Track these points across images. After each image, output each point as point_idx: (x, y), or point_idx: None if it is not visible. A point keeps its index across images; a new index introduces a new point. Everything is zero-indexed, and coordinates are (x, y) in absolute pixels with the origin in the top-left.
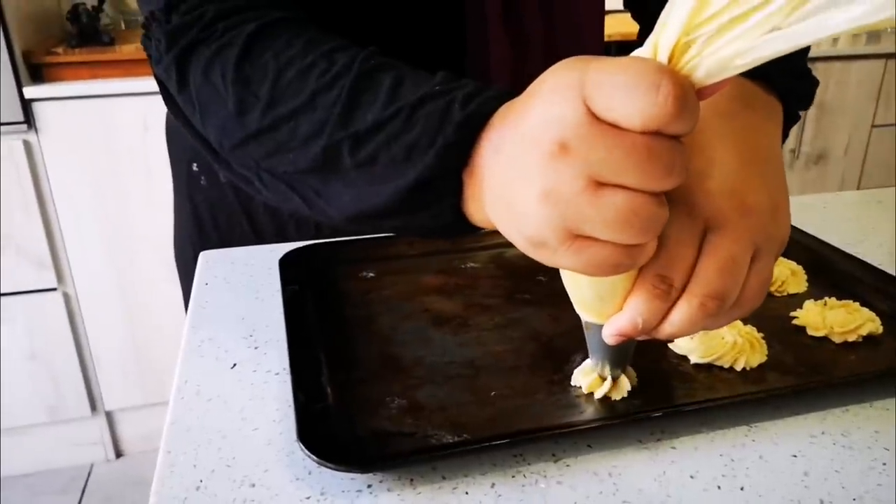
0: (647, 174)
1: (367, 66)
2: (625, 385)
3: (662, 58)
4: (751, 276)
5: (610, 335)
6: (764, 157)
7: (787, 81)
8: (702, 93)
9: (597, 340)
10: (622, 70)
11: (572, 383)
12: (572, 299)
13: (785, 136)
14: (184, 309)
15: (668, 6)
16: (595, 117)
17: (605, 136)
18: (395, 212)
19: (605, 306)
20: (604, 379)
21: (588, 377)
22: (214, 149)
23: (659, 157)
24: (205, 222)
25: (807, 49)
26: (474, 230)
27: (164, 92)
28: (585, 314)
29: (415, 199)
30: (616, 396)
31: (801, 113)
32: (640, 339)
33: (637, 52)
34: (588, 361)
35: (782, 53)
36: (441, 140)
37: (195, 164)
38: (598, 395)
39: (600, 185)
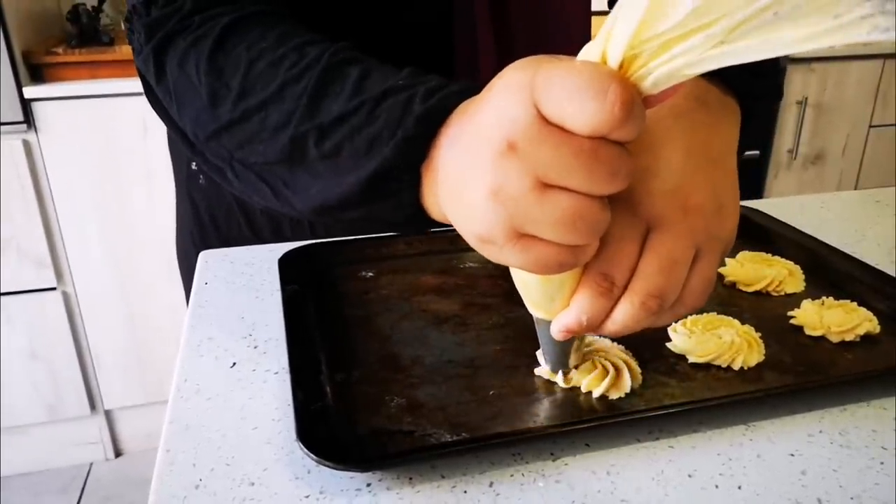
0: (593, 178)
1: (336, 58)
2: (626, 383)
3: (612, 64)
4: (692, 276)
5: (557, 331)
6: (713, 157)
7: (746, 81)
8: (650, 100)
9: (546, 335)
10: (572, 74)
11: (538, 373)
12: (522, 297)
13: (751, 132)
14: (186, 306)
15: (612, 13)
16: (544, 119)
17: (553, 138)
18: (356, 203)
19: (552, 304)
20: (555, 374)
21: (581, 374)
22: (191, 140)
23: (604, 161)
24: (204, 221)
25: None
26: (434, 223)
27: (145, 84)
28: (535, 311)
29: (375, 191)
30: (567, 384)
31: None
32: (588, 333)
33: (584, 53)
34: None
35: (731, 64)
36: (401, 133)
37: (194, 164)
38: (596, 393)
39: (547, 186)
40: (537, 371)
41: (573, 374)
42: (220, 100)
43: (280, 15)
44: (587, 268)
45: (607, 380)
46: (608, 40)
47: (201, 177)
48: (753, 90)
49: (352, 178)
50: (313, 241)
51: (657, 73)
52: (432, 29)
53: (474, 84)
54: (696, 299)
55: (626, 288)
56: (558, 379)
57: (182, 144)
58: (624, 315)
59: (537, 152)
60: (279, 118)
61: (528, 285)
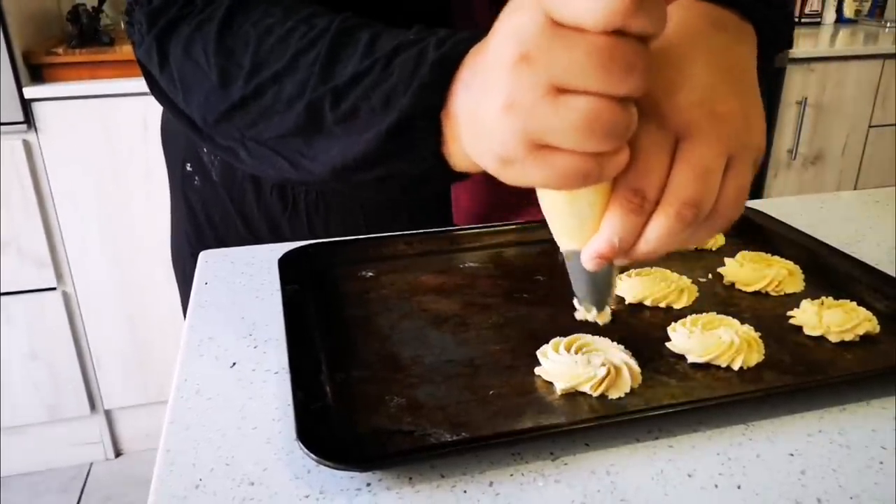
0: (609, 76)
1: (345, 25)
2: (626, 383)
3: None
4: (726, 184)
5: (589, 259)
6: (736, 73)
7: (761, 10)
8: None
9: (578, 270)
10: None
11: (540, 374)
12: (553, 229)
13: (764, 72)
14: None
15: None
16: (555, 23)
17: (565, 39)
18: (376, 160)
19: (583, 229)
20: (589, 311)
21: (556, 365)
22: (198, 126)
23: (619, 57)
24: (200, 223)
25: None
26: (456, 177)
27: (147, 76)
28: (566, 241)
29: (395, 144)
30: (602, 321)
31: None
32: (621, 262)
33: None
34: (549, 346)
35: None
36: (417, 82)
37: (189, 165)
38: (580, 317)
39: (561, 90)
40: (577, 315)
41: (607, 311)
42: (231, 79)
43: None
44: (616, 185)
45: (607, 380)
46: None
47: (196, 178)
48: (769, 18)
49: (370, 134)
50: (313, 241)
51: None
52: (431, 6)
53: (482, 32)
54: (732, 209)
55: (657, 203)
56: (592, 316)
57: (189, 131)
58: (658, 230)
59: (550, 57)
60: (293, 89)
61: (556, 209)
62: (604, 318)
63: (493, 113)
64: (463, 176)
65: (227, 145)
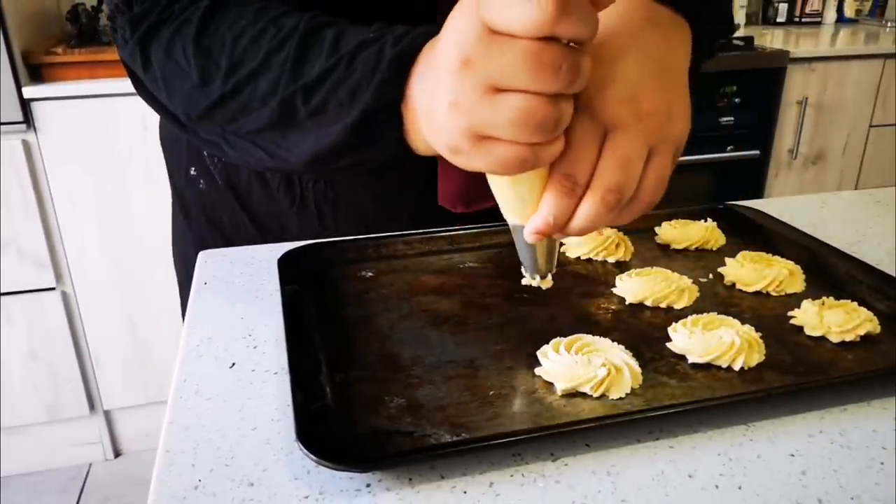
0: (537, 76)
1: (311, 24)
2: (626, 383)
3: None
4: (647, 173)
5: (529, 234)
6: (665, 69)
7: (695, 6)
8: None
9: (522, 242)
10: None
11: (541, 375)
12: (500, 206)
13: (700, 60)
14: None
15: None
16: (490, 30)
17: (499, 45)
18: (346, 149)
19: (525, 208)
20: (533, 279)
21: (557, 365)
22: (182, 122)
23: (547, 60)
24: (206, 225)
25: None
26: (420, 160)
27: (133, 76)
28: (511, 217)
29: (361, 135)
30: (545, 286)
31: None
32: (556, 237)
33: None
34: (550, 347)
35: None
36: (377, 77)
37: (193, 169)
38: (525, 282)
39: (498, 90)
40: (523, 281)
41: (549, 278)
42: (210, 78)
43: None
44: (552, 170)
45: (608, 379)
46: None
47: (201, 181)
48: (703, 14)
49: (338, 126)
50: (313, 241)
51: None
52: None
53: (437, 28)
54: (652, 194)
55: (587, 188)
56: (536, 282)
57: (174, 126)
58: (586, 211)
59: (487, 60)
60: (267, 87)
61: (501, 191)
62: (546, 284)
63: (441, 110)
64: (427, 159)
65: (210, 139)
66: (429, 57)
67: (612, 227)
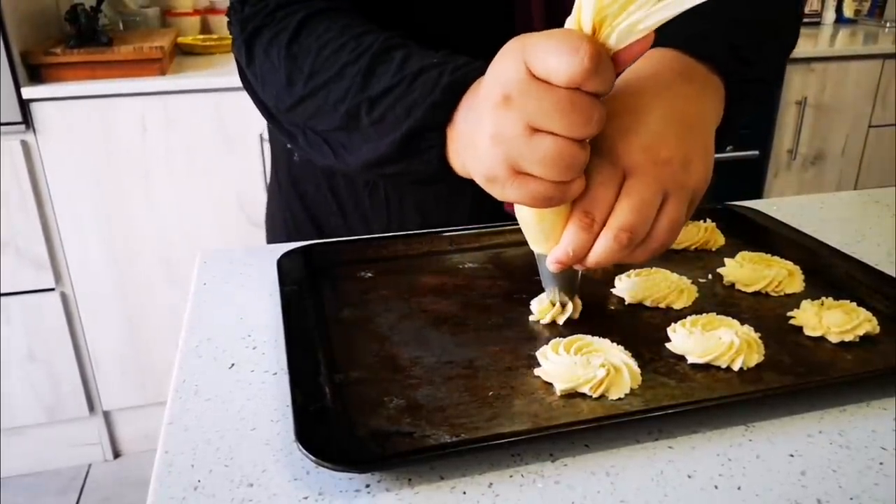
0: (570, 122)
1: (386, 44)
2: (570, 310)
3: (586, 30)
4: (661, 217)
5: (551, 263)
6: (688, 122)
7: (732, 65)
8: (621, 58)
9: (545, 270)
10: (553, 36)
11: (532, 311)
12: (526, 237)
13: (738, 114)
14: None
15: None
16: (532, 75)
17: (539, 89)
18: (394, 159)
19: (548, 240)
20: (553, 304)
21: (541, 305)
22: (272, 112)
23: (579, 109)
24: (292, 195)
25: (760, 39)
26: (456, 179)
27: (240, 70)
28: (536, 247)
29: (409, 148)
30: (560, 320)
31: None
32: (579, 268)
33: (567, 24)
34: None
35: (667, 19)
36: (430, 100)
37: (297, 155)
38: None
39: (535, 130)
40: (533, 310)
41: (570, 306)
42: (294, 80)
43: (344, 10)
44: (573, 207)
45: (554, 310)
46: (580, 11)
47: (296, 154)
48: (739, 72)
49: (391, 138)
50: (313, 242)
51: (618, 30)
52: (493, 16)
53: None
54: (665, 236)
55: (604, 225)
56: (552, 313)
57: (264, 115)
58: (601, 247)
59: (526, 101)
60: (339, 94)
61: (528, 224)
62: (564, 315)
63: (483, 141)
64: (466, 179)
65: (290, 131)
66: (476, 92)
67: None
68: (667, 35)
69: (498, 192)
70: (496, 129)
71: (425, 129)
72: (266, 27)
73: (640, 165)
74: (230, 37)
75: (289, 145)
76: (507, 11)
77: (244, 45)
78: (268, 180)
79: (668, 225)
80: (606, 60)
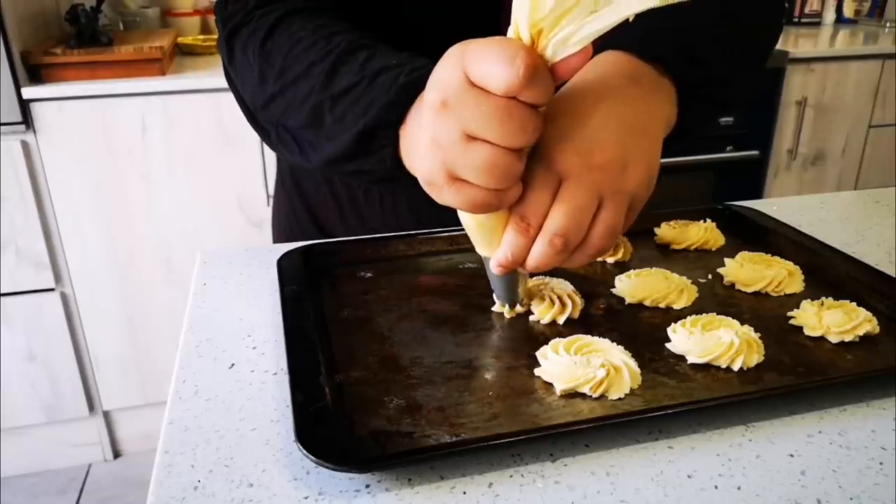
0: (506, 131)
1: (352, 44)
2: (625, 383)
3: (525, 40)
4: (596, 222)
5: (493, 266)
6: (630, 125)
7: (681, 66)
8: (560, 70)
9: (491, 273)
10: (492, 45)
11: (493, 309)
12: (472, 240)
13: (694, 119)
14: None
15: (514, 4)
16: (470, 82)
17: (476, 96)
18: (351, 156)
19: (491, 245)
20: (503, 306)
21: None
22: (250, 109)
23: (515, 118)
24: (294, 194)
25: (718, 40)
26: (411, 179)
27: (224, 67)
28: (480, 249)
29: (364, 146)
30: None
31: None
32: (522, 271)
33: (508, 35)
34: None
35: (602, 31)
36: (385, 99)
37: None
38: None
39: (471, 138)
40: (493, 308)
41: (518, 307)
42: (266, 77)
43: (320, 10)
44: (511, 211)
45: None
46: (517, 22)
47: None
48: (689, 74)
49: (348, 135)
50: (312, 242)
51: (553, 42)
52: (479, 15)
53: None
54: (600, 241)
55: (540, 229)
56: (505, 311)
57: (243, 112)
58: (537, 252)
59: (463, 108)
60: (305, 91)
61: (471, 229)
62: (512, 313)
63: (423, 145)
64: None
65: (266, 127)
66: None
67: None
68: (617, 37)
69: (436, 196)
70: (434, 133)
71: (379, 127)
72: (245, 25)
73: (574, 170)
74: None
75: (265, 142)
76: (493, 12)
77: (225, 43)
78: (268, 181)
79: (603, 230)
80: (543, 71)
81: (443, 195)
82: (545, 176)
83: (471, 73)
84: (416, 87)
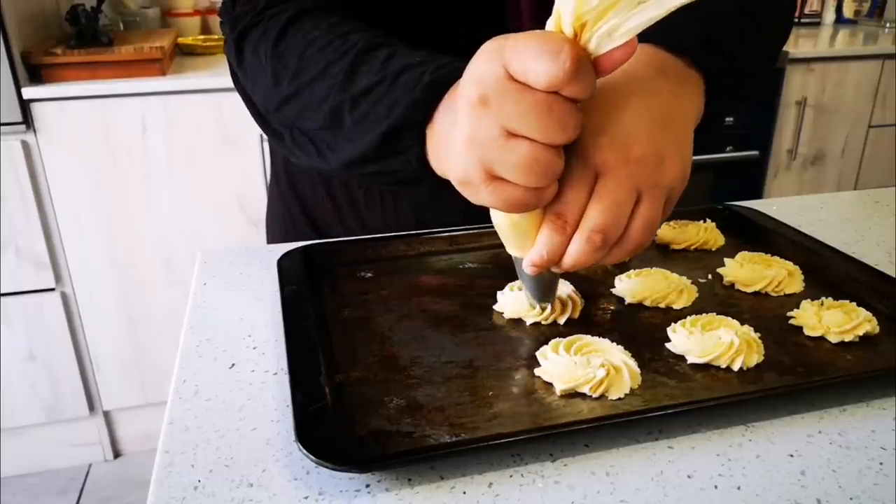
0: (547, 128)
1: (370, 43)
2: (625, 383)
3: (567, 34)
4: (635, 217)
5: (526, 266)
6: (662, 118)
7: (709, 58)
8: (602, 63)
9: (523, 273)
10: (534, 38)
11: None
12: (503, 240)
13: (719, 110)
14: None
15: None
16: (511, 77)
17: (516, 92)
18: (375, 157)
19: (524, 244)
20: (533, 308)
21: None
22: (261, 112)
23: (556, 114)
24: (290, 195)
25: (742, 32)
26: (437, 180)
27: (231, 70)
28: (512, 251)
29: (388, 147)
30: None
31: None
32: (556, 270)
33: (547, 27)
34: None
35: (648, 24)
36: (410, 98)
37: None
38: (545, 318)
39: (511, 135)
40: (496, 307)
41: (549, 308)
42: (281, 79)
43: (332, 10)
44: (546, 210)
45: (538, 308)
46: (560, 15)
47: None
48: (717, 66)
49: (371, 136)
50: (312, 242)
51: (598, 35)
52: (484, 14)
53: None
54: (639, 236)
55: (577, 227)
56: (536, 311)
57: (253, 116)
58: (575, 249)
59: (503, 104)
60: (323, 92)
61: (503, 228)
62: (544, 314)
63: (458, 143)
64: (444, 179)
65: (278, 130)
66: (455, 91)
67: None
68: (643, 31)
69: (472, 196)
70: (471, 131)
71: (405, 127)
72: (255, 26)
73: (611, 165)
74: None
75: (276, 146)
76: (498, 10)
77: (234, 45)
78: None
79: (642, 225)
80: (587, 65)
81: (479, 195)
82: (581, 172)
83: (512, 67)
84: (442, 84)
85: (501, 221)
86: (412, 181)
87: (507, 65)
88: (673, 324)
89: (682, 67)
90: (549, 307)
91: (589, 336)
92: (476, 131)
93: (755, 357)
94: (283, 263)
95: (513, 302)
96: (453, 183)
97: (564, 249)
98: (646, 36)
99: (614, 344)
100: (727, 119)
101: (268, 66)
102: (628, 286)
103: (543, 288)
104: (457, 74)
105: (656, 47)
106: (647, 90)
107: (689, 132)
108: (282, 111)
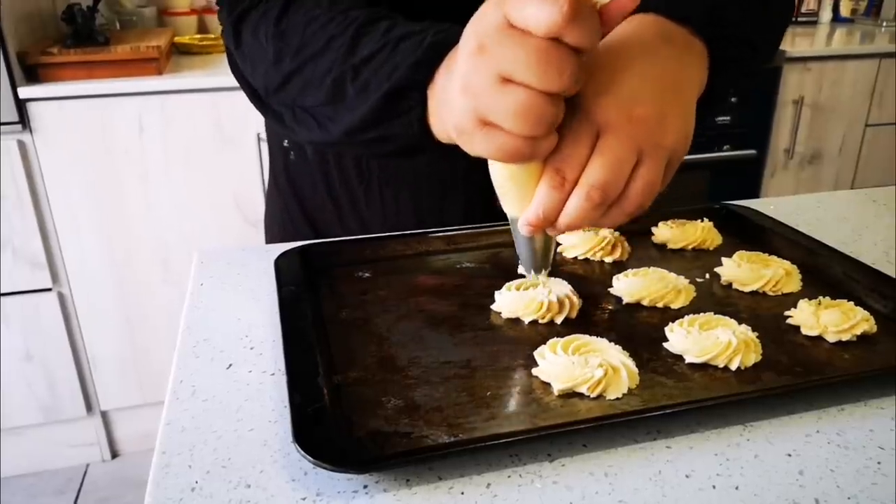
0: (544, 74)
1: (372, 16)
2: (623, 383)
3: None
4: (635, 177)
5: (522, 226)
6: (667, 83)
7: (711, 27)
8: (606, 14)
9: (519, 235)
10: None
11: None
12: (500, 199)
13: (723, 82)
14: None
15: None
16: (510, 24)
17: (515, 37)
18: (376, 121)
19: (521, 202)
20: (525, 277)
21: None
22: (260, 95)
23: (554, 61)
24: (289, 195)
25: (741, 6)
26: (438, 145)
27: (229, 55)
28: (509, 209)
29: (389, 109)
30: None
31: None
32: (551, 233)
33: None
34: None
35: None
36: (412, 58)
37: (286, 140)
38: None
39: (507, 81)
40: (519, 271)
41: (543, 274)
42: (283, 56)
43: None
44: (545, 165)
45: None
46: None
47: (292, 153)
48: (719, 36)
49: (374, 98)
50: (310, 242)
51: None
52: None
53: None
54: (639, 197)
55: (576, 183)
56: (530, 277)
57: (253, 101)
58: (573, 206)
59: (500, 50)
60: (325, 66)
61: (501, 184)
62: (539, 281)
63: (454, 92)
64: (445, 146)
65: (279, 111)
66: (455, 50)
67: (608, 228)
68: (647, 1)
69: (466, 145)
70: (467, 78)
71: (406, 87)
72: (254, 8)
73: (613, 123)
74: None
75: (275, 125)
76: None
77: (232, 28)
78: (265, 180)
79: (642, 186)
80: (589, 12)
81: (473, 143)
82: (583, 128)
83: (511, 14)
84: (443, 46)
85: (499, 176)
86: (413, 149)
87: (507, 12)
88: (671, 323)
89: (686, 36)
90: (543, 274)
91: (587, 336)
92: (471, 78)
93: (753, 357)
94: (281, 263)
95: (510, 302)
96: (452, 135)
97: (561, 208)
98: (651, 5)
99: (612, 344)
100: (720, 120)
101: (269, 46)
102: (626, 286)
103: (539, 255)
104: (458, 38)
105: (658, 16)
106: (652, 54)
107: (692, 99)
108: (284, 89)
